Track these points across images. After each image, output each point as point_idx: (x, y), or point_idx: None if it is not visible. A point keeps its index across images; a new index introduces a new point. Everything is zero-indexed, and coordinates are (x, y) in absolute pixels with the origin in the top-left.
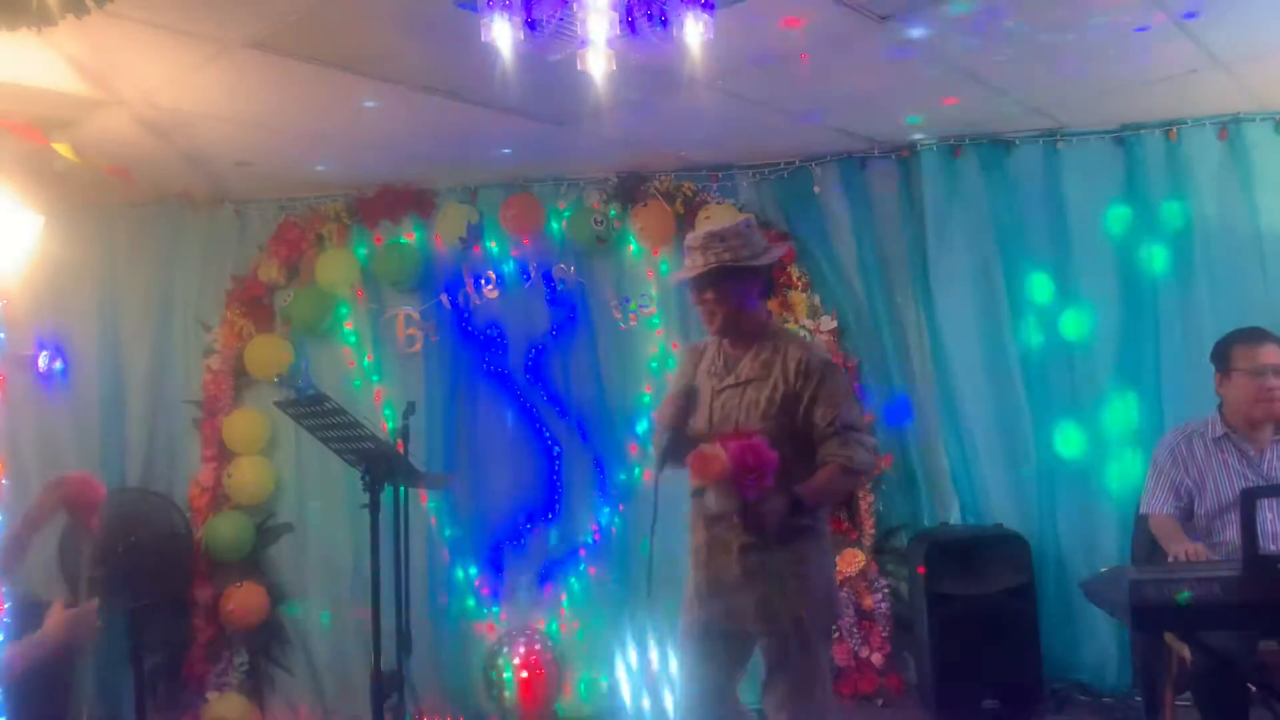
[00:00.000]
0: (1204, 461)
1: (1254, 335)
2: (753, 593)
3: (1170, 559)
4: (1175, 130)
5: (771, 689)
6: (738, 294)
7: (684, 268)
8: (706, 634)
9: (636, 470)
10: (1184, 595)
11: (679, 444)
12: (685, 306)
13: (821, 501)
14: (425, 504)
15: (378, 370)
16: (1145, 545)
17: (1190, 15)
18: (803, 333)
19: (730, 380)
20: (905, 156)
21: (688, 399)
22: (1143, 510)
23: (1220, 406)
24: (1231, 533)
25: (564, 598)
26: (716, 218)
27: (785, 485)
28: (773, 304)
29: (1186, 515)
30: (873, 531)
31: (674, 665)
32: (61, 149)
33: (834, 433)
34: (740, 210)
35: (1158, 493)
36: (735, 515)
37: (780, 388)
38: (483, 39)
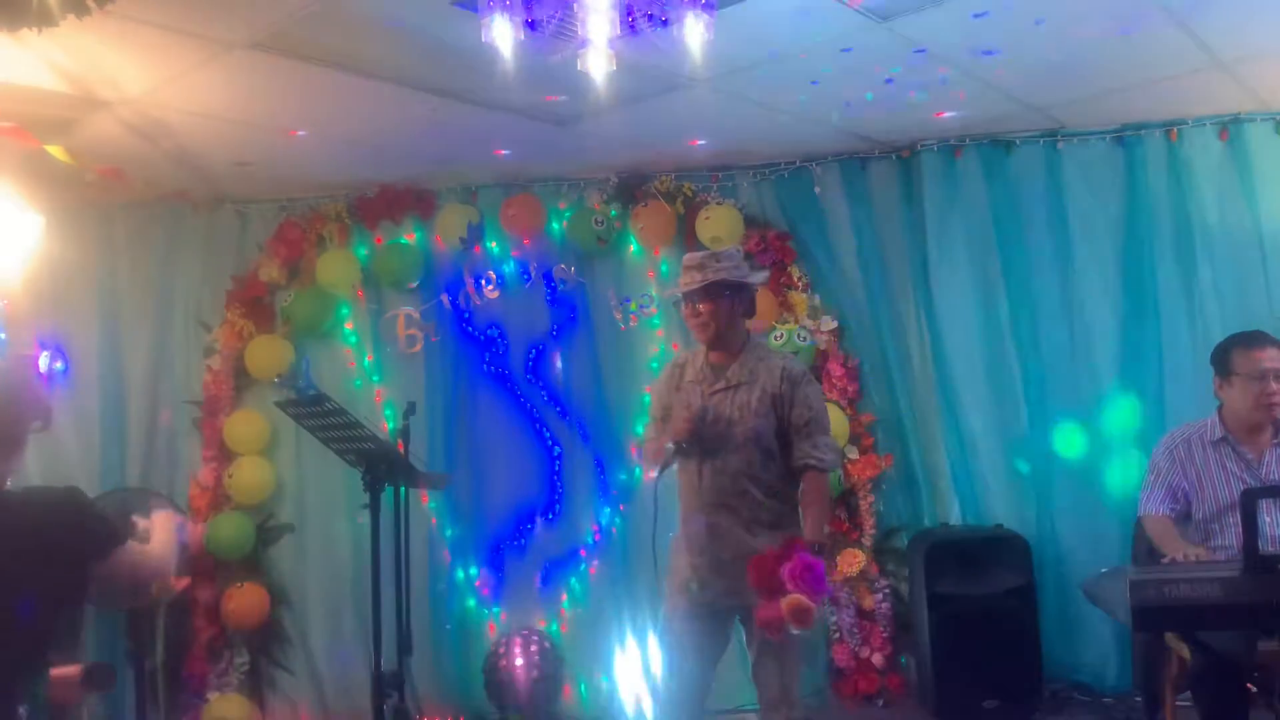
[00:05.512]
0: (1202, 464)
1: (1254, 339)
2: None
3: (1168, 560)
4: (1175, 130)
5: (763, 658)
6: (730, 308)
7: (682, 283)
8: (710, 613)
9: (637, 470)
10: None
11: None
12: None
13: (824, 519)
14: (426, 504)
15: (378, 370)
16: (1146, 546)
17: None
18: (802, 332)
19: (720, 385)
20: (905, 156)
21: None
22: (1140, 511)
23: (1219, 409)
24: (1229, 536)
25: (564, 598)
26: (716, 218)
27: (787, 498)
28: (773, 304)
29: (1183, 517)
30: (873, 531)
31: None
32: (54, 151)
33: (808, 433)
34: (740, 210)
35: (1154, 494)
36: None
37: (768, 389)
38: (483, 39)
